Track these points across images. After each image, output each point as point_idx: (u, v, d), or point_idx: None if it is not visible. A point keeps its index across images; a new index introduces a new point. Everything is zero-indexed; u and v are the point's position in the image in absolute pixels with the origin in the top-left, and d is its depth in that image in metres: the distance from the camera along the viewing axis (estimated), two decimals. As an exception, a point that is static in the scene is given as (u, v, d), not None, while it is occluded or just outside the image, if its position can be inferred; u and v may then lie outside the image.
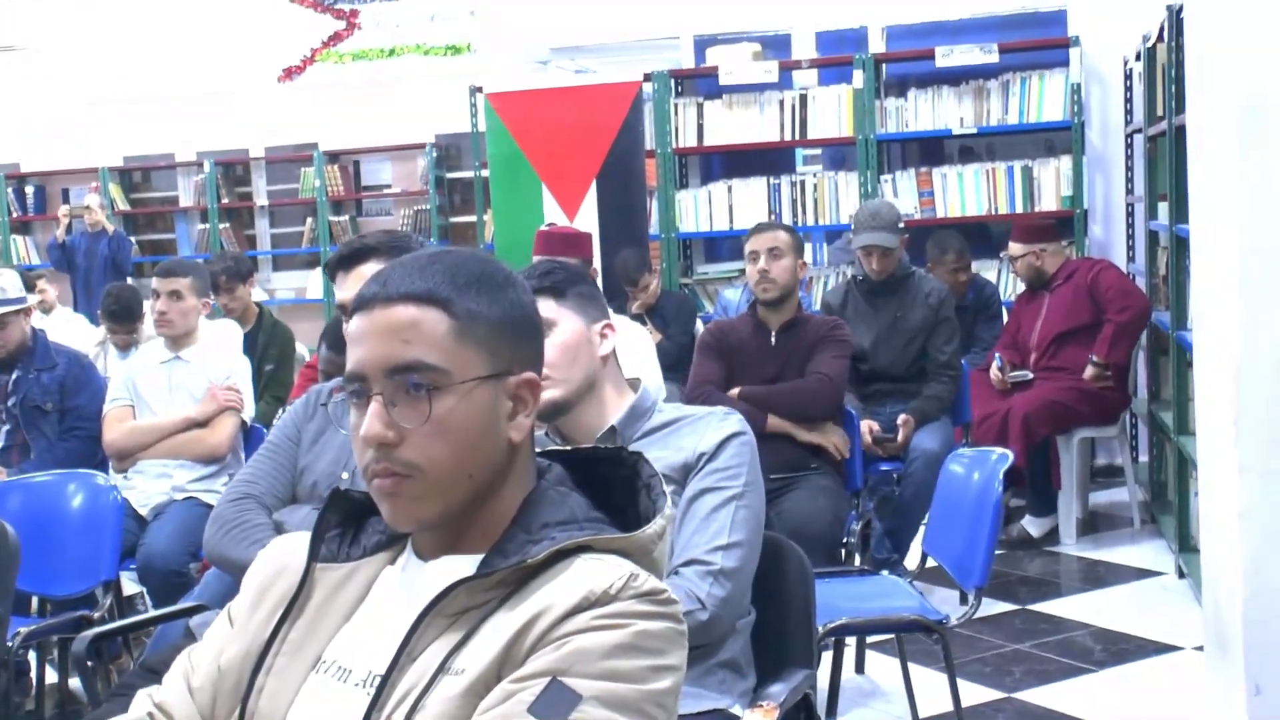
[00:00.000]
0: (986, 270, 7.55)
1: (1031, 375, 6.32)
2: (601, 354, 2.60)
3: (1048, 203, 7.55)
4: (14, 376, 4.99)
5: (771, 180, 7.96)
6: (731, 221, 7.96)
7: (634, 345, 4.72)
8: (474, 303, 1.56)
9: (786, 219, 7.83)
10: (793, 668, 2.52)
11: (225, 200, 12.54)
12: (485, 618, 1.49)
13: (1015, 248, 6.50)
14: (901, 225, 5.75)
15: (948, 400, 5.60)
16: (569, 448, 1.73)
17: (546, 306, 2.55)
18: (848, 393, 5.59)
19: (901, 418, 5.46)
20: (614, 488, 1.68)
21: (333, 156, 12.31)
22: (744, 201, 7.95)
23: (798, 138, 7.96)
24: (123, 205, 12.81)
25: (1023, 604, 5.40)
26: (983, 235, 8.01)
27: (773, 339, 4.73)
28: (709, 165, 8.69)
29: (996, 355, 6.36)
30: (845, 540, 4.38)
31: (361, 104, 12.17)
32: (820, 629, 3.40)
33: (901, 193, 7.69)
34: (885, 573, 5.17)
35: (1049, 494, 6.29)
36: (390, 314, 1.55)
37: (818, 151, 8.84)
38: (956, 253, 6.77)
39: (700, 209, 8.09)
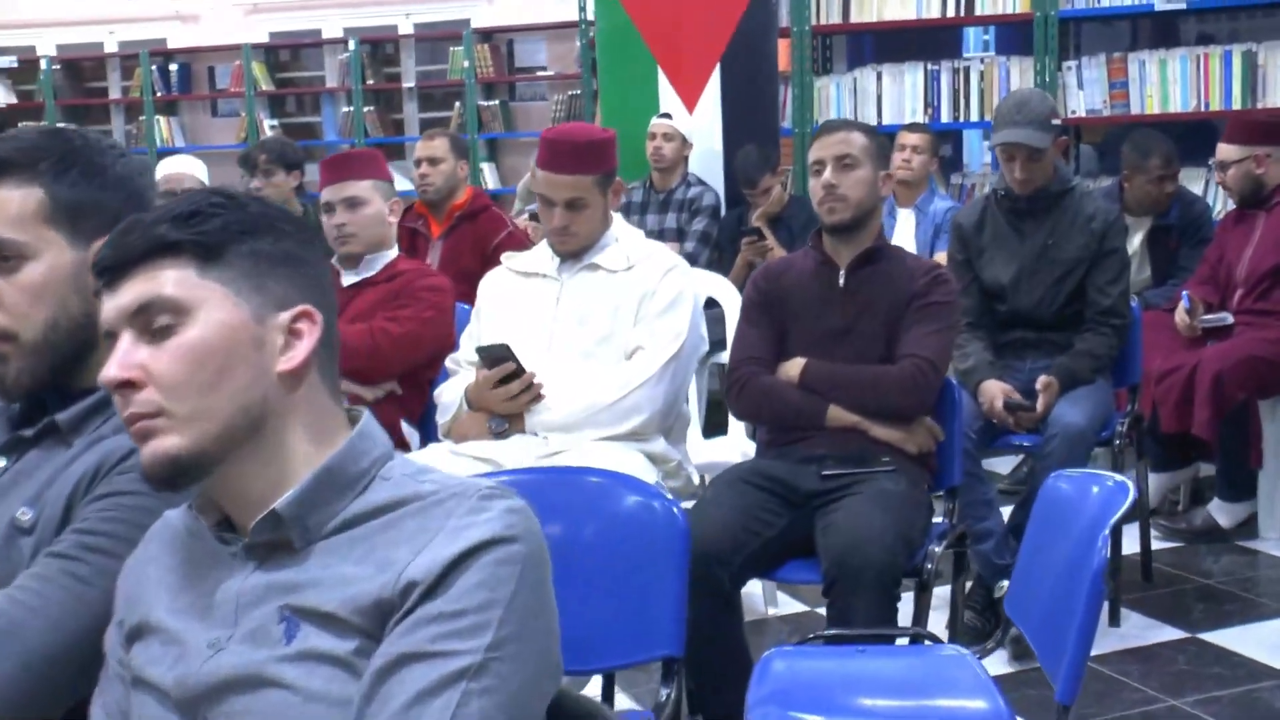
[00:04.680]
0: (1192, 182, 6.11)
1: (1231, 319, 4.91)
2: (285, 366, 1.46)
3: (1274, 97, 6.05)
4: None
5: (930, 66, 6.61)
6: (880, 115, 6.66)
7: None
8: None
9: (945, 113, 6.52)
10: None
11: (371, 81, 11.63)
12: None
13: (1228, 150, 5.02)
14: (1057, 122, 4.39)
15: (1107, 358, 4.28)
16: None
17: (180, 278, 1.44)
18: (978, 342, 4.34)
19: (1042, 380, 4.18)
20: None
21: (484, 35, 11.27)
22: (896, 91, 6.64)
23: (964, 14, 6.57)
24: (267, 85, 12.01)
25: (1193, 630, 4.10)
26: (1188, 138, 6.52)
27: (841, 278, 3.49)
28: (857, 47, 7.37)
29: (1184, 294, 4.97)
30: (922, 566, 3.17)
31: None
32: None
33: (1088, 83, 6.28)
34: (1001, 586, 3.96)
35: (1245, 474, 4.91)
36: None
37: (988, 35, 7.41)
38: (1163, 157, 5.35)
39: (843, 100, 6.79)
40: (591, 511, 2.60)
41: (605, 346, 3.50)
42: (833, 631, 2.88)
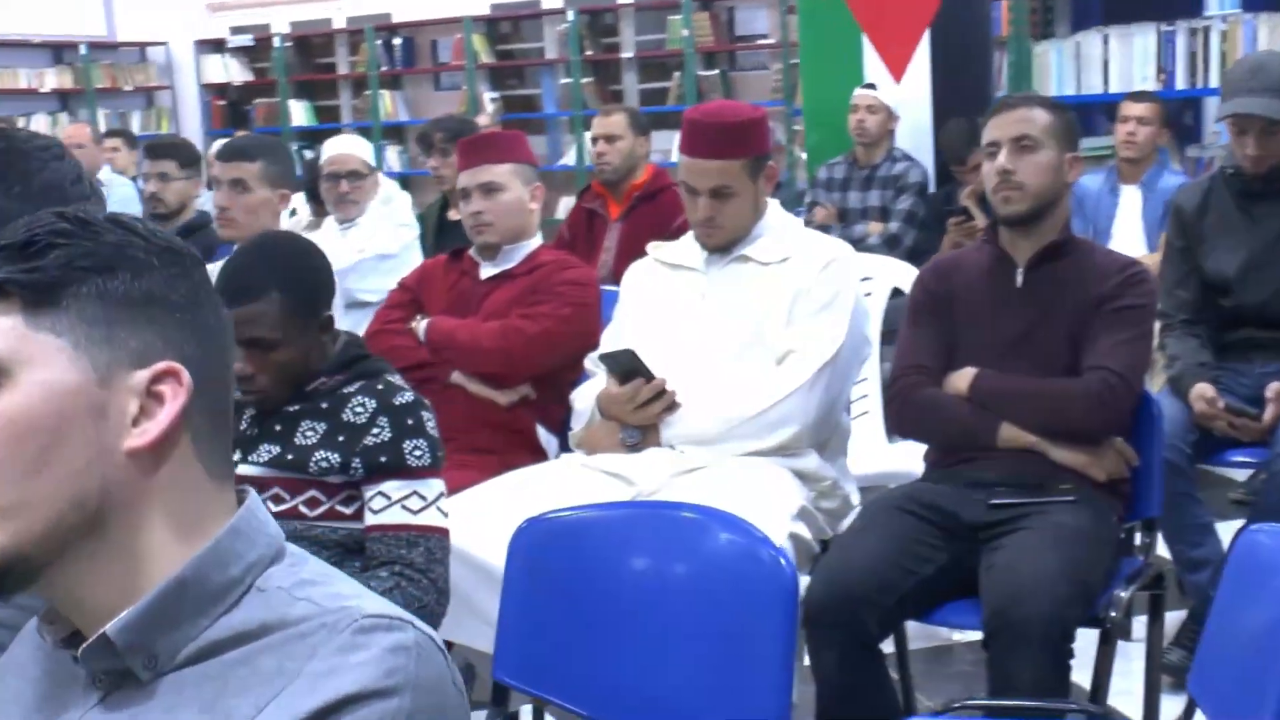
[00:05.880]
0: None
1: None
2: (134, 443, 1.12)
3: None
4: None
5: (1164, 27, 5.99)
6: (1106, 83, 6.10)
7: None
8: None
9: (1181, 79, 5.90)
10: None
11: (590, 52, 11.41)
12: None
13: None
14: (1301, 90, 3.82)
15: (1351, 363, 3.72)
16: None
17: (2, 328, 1.09)
18: (1192, 340, 3.81)
19: (1272, 387, 3.63)
20: None
21: (704, 3, 10.95)
22: (1124, 56, 6.06)
23: (1205, -33, 5.97)
24: (487, 58, 11.91)
25: None
26: None
27: (1019, 277, 3.03)
28: (1082, 7, 6.77)
29: None
30: (1106, 614, 2.71)
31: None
32: None
33: (1350, 42, 5.60)
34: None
35: None
36: None
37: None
38: None
39: (1065, 66, 6.23)
40: (684, 555, 2.24)
41: (754, 349, 3.13)
42: (980, 701, 2.45)
